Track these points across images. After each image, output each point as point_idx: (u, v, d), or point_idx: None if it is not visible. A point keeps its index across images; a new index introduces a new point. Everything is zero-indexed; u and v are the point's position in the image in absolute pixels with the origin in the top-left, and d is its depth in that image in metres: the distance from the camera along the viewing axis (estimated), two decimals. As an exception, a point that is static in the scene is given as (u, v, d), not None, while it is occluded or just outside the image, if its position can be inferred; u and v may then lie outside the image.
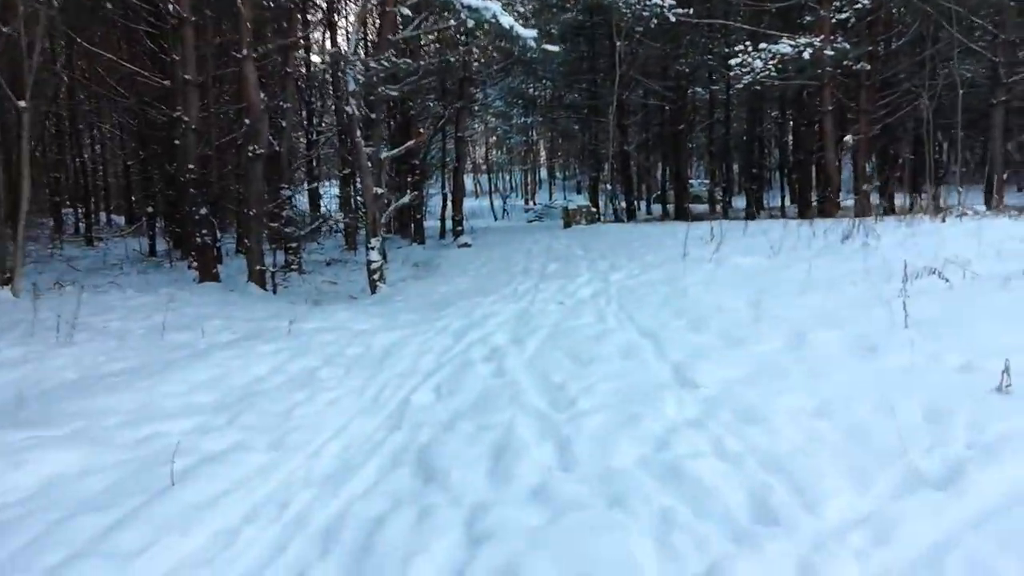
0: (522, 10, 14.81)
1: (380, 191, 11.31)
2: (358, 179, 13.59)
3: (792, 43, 14.21)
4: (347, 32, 20.58)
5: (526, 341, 5.98)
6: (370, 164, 11.31)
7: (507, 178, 47.22)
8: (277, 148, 13.96)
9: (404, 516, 3.07)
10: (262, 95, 11.96)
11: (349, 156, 16.09)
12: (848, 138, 15.65)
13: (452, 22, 12.81)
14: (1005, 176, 15.28)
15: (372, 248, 10.69)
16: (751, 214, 21.83)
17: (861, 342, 4.81)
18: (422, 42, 19.89)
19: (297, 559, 2.85)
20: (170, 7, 10.98)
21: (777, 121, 28.15)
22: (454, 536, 2.89)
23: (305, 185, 21.38)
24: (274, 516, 3.18)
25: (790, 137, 27.18)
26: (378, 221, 10.96)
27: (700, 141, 29.94)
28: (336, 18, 20.53)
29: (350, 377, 5.23)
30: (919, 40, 17.61)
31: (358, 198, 17.13)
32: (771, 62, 14.38)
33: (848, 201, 16.99)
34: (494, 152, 44.93)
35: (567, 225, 19.47)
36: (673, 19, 15.89)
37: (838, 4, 14.57)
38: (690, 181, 29.12)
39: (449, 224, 21.97)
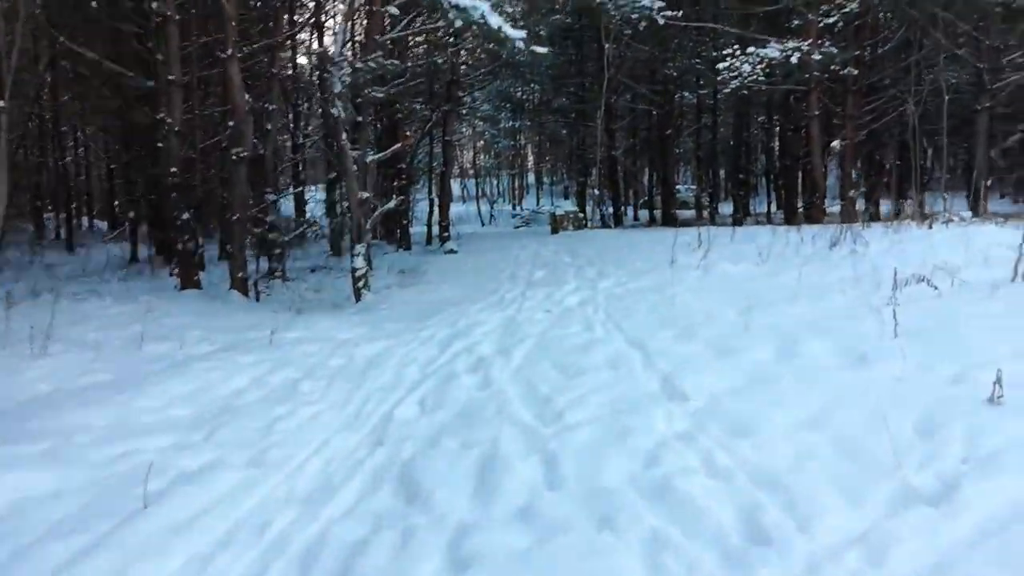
0: (511, 11, 14.73)
1: (366, 196, 11.19)
2: (344, 183, 13.46)
3: (780, 47, 14.23)
4: (334, 32, 20.43)
5: (512, 351, 5.89)
6: (356, 168, 11.19)
7: (494, 183, 47.14)
8: (262, 151, 13.82)
9: (386, 539, 2.96)
10: (247, 96, 11.83)
11: (335, 160, 15.97)
12: (835, 143, 15.70)
13: (440, 23, 12.72)
14: (989, 183, 15.37)
15: (357, 255, 10.56)
16: (738, 220, 21.88)
17: (852, 351, 4.75)
18: (410, 43, 19.78)
19: (273, 586, 2.74)
20: (154, 4, 10.82)
21: (764, 126, 28.26)
22: (437, 560, 2.79)
23: (291, 189, 21.21)
24: (251, 540, 3.06)
25: (776, 142, 27.30)
26: (363, 227, 10.84)
27: (687, 146, 30.02)
28: (323, 18, 20.40)
29: (332, 390, 5.12)
30: (905, 45, 17.72)
31: (344, 203, 16.99)
32: (759, 66, 14.40)
33: (834, 207, 17.04)
34: (482, 156, 44.86)
35: (555, 231, 19.40)
36: (662, 22, 15.87)
37: (825, 8, 14.61)
38: (677, 187, 29.18)
39: (436, 230, 21.85)
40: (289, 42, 18.26)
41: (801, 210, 20.22)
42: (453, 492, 3.36)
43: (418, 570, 2.72)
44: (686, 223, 20.41)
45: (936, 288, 5.95)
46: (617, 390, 4.57)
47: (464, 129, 34.56)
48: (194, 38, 13.95)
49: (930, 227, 9.26)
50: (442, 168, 21.64)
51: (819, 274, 7.64)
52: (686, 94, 25.57)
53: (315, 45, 21.49)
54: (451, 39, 18.78)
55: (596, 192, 22.98)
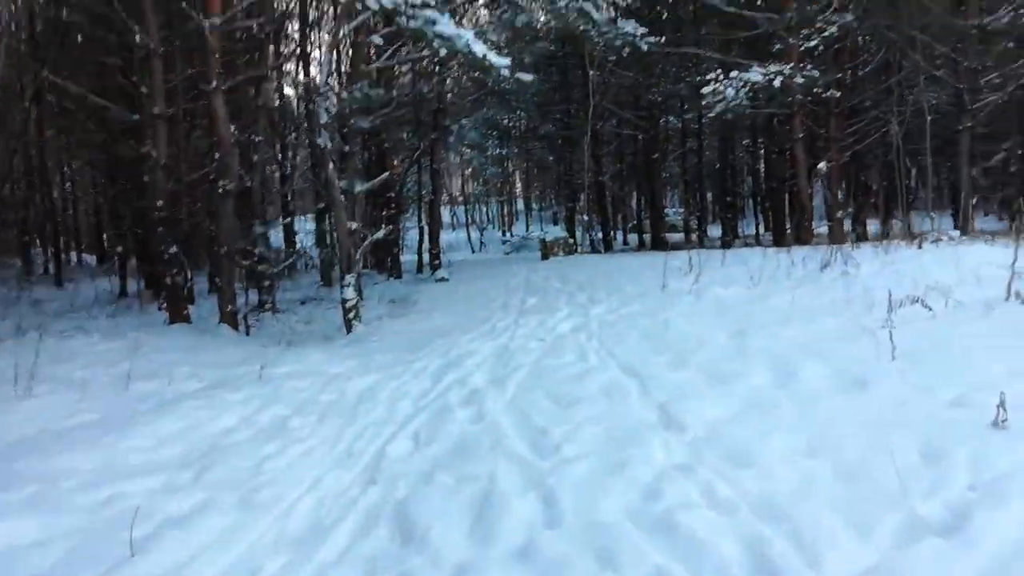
0: (495, 39, 14.84)
1: (354, 226, 11.14)
2: (333, 213, 13.41)
3: (763, 71, 14.38)
4: (319, 63, 20.53)
5: (506, 382, 5.81)
6: (344, 198, 11.14)
7: (484, 210, 47.25)
8: (249, 183, 13.76)
9: (381, 583, 2.87)
10: (232, 128, 11.79)
11: (323, 190, 15.95)
12: (822, 165, 15.83)
13: (426, 52, 12.78)
14: (974, 201, 15.51)
15: (347, 286, 10.47)
16: (727, 242, 21.97)
17: (849, 376, 4.71)
18: (396, 73, 19.88)
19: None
20: (138, 38, 10.82)
21: (749, 149, 28.52)
22: (435, 606, 2.70)
23: (280, 220, 21.15)
24: (241, 587, 2.96)
25: (762, 164, 27.52)
26: (353, 257, 10.77)
27: (674, 170, 30.22)
28: (309, 49, 20.51)
29: (323, 426, 5.02)
30: (884, 67, 17.96)
31: (334, 233, 16.93)
32: (743, 90, 14.53)
33: (821, 228, 17.13)
34: (470, 184, 44.99)
35: (545, 257, 19.39)
36: (645, 48, 16.03)
37: (806, 32, 14.81)
38: (665, 210, 29.33)
39: (426, 257, 21.80)
40: (275, 73, 18.29)
41: (789, 231, 20.32)
42: (449, 531, 3.27)
43: (416, 617, 2.63)
44: (675, 246, 20.46)
45: (930, 309, 5.95)
46: (613, 420, 4.50)
47: (452, 157, 34.69)
48: (179, 71, 13.95)
49: (919, 247, 9.29)
50: (431, 196, 21.65)
51: (811, 296, 7.64)
52: (671, 119, 25.80)
53: (301, 76, 21.58)
54: (437, 68, 18.90)
55: (585, 217, 23.04)
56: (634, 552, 2.89)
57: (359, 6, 8.94)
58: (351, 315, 10.26)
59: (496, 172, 39.20)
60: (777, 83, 14.21)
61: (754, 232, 27.63)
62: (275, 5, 17.02)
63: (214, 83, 10.54)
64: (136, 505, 3.54)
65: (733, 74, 14.71)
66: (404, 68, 19.85)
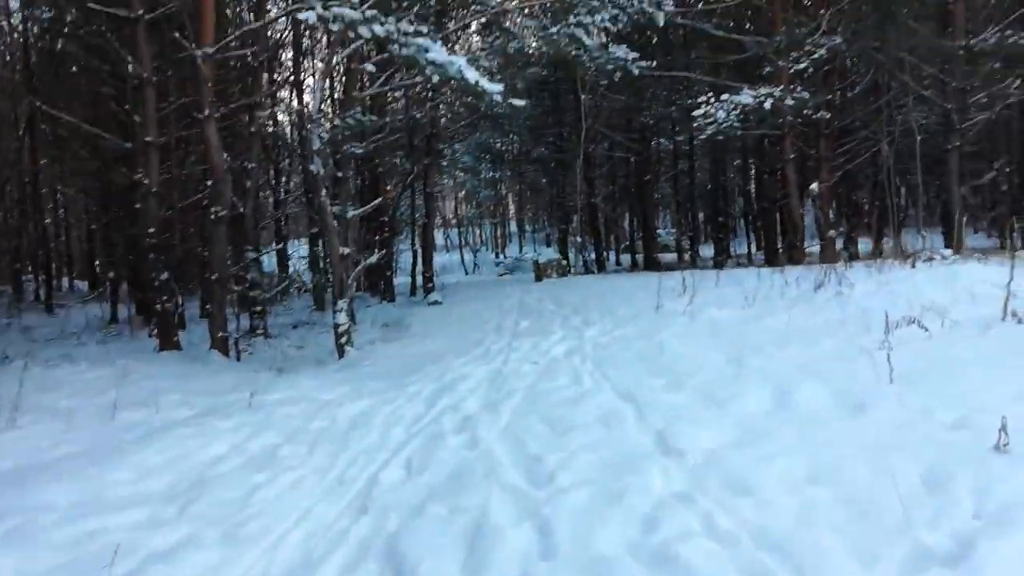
0: (487, 65, 14.93)
1: (347, 251, 11.09)
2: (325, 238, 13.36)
3: (753, 93, 14.47)
4: (312, 90, 20.63)
5: (500, 407, 5.72)
6: (337, 223, 11.10)
7: (477, 232, 47.32)
8: (242, 209, 13.72)
9: (371, 622, 2.77)
10: (226, 156, 11.78)
11: (316, 215, 15.92)
12: (814, 186, 15.87)
13: (418, 78, 12.81)
14: (965, 219, 15.55)
15: (339, 310, 10.40)
16: (719, 262, 21.99)
17: (848, 398, 4.65)
18: (388, 99, 19.96)
19: None
20: (131, 67, 10.84)
21: (740, 170, 28.67)
22: (426, 645, 2.60)
23: (273, 245, 21.09)
24: (225, 627, 2.86)
25: (753, 185, 27.62)
26: (345, 283, 10.71)
27: (666, 191, 30.36)
28: (302, 76, 20.58)
29: (314, 454, 4.91)
30: (873, 88, 18.11)
31: (327, 257, 16.88)
32: (733, 112, 14.61)
33: (814, 247, 17.15)
34: (463, 206, 45.08)
35: (538, 278, 19.35)
36: (636, 72, 16.12)
37: (795, 55, 14.93)
38: (658, 230, 29.41)
39: (420, 280, 21.74)
40: (269, 100, 18.35)
41: (781, 251, 20.35)
42: (442, 564, 3.17)
43: (406, 657, 2.53)
44: (669, 266, 20.46)
45: (927, 329, 5.90)
46: (609, 447, 4.41)
47: (445, 180, 34.79)
48: (172, 99, 13.97)
49: (913, 266, 9.27)
50: (424, 219, 21.66)
51: (805, 317, 7.59)
52: (663, 141, 25.92)
53: (295, 103, 21.65)
54: (429, 94, 18.98)
55: (578, 239, 23.05)
56: (632, 585, 2.80)
57: (351, 35, 8.94)
58: (343, 340, 10.17)
59: (489, 195, 39.33)
60: (767, 105, 14.29)
61: (746, 251, 27.68)
62: (268, 34, 17.10)
63: (207, 111, 10.55)
64: (118, 541, 3.44)
65: (724, 96, 14.80)
66: (397, 94, 19.94)
